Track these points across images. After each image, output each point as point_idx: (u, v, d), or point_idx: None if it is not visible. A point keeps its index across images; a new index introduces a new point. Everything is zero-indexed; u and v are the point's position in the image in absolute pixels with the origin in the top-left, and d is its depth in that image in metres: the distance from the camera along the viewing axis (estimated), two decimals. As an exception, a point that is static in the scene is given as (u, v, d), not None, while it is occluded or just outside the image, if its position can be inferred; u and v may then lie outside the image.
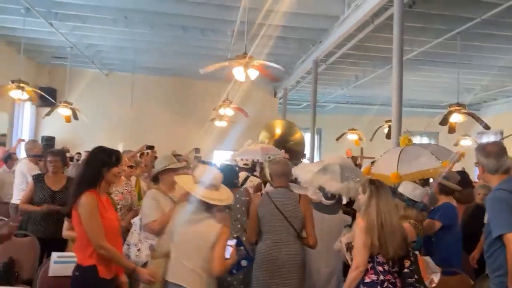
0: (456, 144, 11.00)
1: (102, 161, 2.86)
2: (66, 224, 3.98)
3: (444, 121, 8.20)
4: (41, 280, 3.47)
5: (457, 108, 8.03)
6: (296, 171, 4.28)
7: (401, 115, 5.21)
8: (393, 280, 2.90)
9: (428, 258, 3.39)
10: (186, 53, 10.40)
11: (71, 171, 7.21)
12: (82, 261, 2.78)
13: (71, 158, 8.99)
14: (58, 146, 10.74)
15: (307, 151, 9.50)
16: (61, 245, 4.06)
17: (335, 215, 4.10)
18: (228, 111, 10.08)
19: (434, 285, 3.09)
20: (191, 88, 12.68)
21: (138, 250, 4.06)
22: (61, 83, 11.25)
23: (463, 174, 5.43)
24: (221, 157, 11.03)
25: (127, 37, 9.20)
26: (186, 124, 12.47)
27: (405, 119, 5.30)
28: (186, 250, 2.83)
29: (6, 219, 4.66)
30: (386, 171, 3.76)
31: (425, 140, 15.25)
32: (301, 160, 8.36)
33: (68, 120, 9.78)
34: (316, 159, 10.66)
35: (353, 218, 3.71)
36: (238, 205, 4.01)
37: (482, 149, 2.79)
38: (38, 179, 4.55)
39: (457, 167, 5.06)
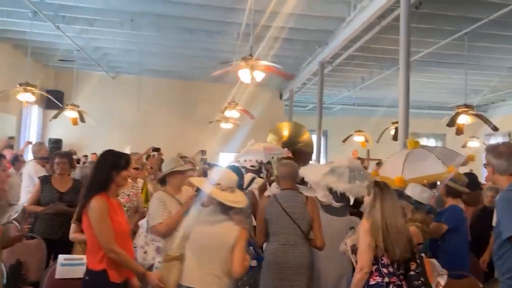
0: (464, 146, 10.88)
1: (112, 164, 2.86)
2: (73, 226, 3.96)
3: (451, 123, 8.11)
4: (48, 282, 3.47)
5: (465, 109, 7.94)
6: (304, 171, 4.26)
7: (408, 117, 5.18)
8: (399, 283, 2.87)
9: (434, 261, 3.37)
10: (192, 56, 10.42)
11: (79, 173, 7.22)
12: (93, 265, 2.76)
13: (78, 161, 9.01)
14: (65, 148, 10.81)
15: (313, 153, 9.45)
16: (68, 246, 4.05)
17: (344, 217, 4.08)
18: (234, 113, 10.08)
19: (440, 287, 3.06)
20: (197, 90, 12.71)
21: (145, 252, 4.08)
22: (68, 86, 11.33)
23: (471, 176, 5.34)
24: (227, 159, 11.01)
25: (134, 39, 9.24)
26: (192, 126, 12.46)
27: (412, 120, 5.27)
28: (204, 253, 2.78)
29: (15, 222, 4.68)
30: (391, 174, 3.74)
31: (431, 142, 15.11)
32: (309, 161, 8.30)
33: (75, 122, 9.80)
34: (322, 161, 10.61)
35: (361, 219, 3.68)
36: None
37: (493, 149, 2.75)
38: (45, 180, 4.55)
39: (465, 169, 5.00)
